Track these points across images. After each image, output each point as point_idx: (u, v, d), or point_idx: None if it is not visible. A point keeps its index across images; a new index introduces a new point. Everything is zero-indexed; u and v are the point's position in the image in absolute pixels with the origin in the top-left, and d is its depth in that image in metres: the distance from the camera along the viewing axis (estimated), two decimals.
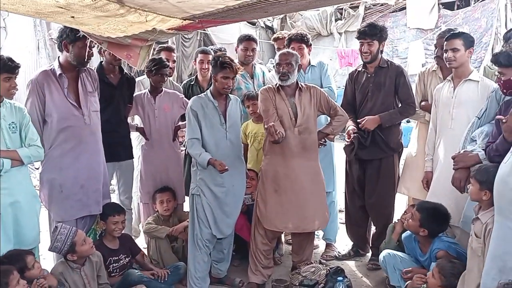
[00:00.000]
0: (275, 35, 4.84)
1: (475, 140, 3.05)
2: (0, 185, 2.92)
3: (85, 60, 3.38)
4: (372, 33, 3.89)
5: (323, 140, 3.78)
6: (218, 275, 3.82)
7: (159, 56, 4.20)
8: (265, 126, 3.55)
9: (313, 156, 3.68)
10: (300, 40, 4.21)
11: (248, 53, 4.46)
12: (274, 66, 3.72)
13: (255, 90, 4.35)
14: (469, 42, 3.47)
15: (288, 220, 3.63)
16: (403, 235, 3.54)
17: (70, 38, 3.28)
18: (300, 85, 3.65)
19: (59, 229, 3.13)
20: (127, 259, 3.65)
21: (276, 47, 4.70)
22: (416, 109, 3.96)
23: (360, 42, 3.98)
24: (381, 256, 3.55)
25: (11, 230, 2.98)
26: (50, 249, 3.20)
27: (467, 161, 2.95)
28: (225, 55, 3.54)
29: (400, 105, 3.96)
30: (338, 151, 4.46)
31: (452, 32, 3.59)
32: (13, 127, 3.03)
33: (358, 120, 3.90)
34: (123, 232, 3.70)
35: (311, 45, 4.37)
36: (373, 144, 3.92)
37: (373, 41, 3.90)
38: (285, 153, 3.58)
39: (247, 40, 4.49)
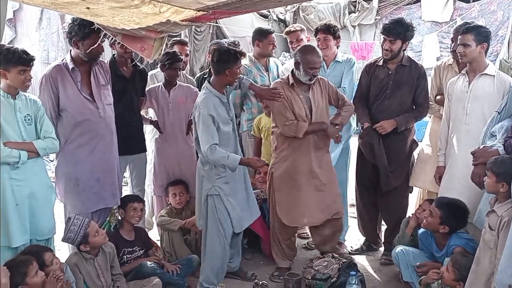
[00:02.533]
0: (287, 29, 4.78)
1: (495, 135, 2.99)
2: (17, 177, 2.94)
3: (96, 56, 3.36)
4: (396, 32, 3.75)
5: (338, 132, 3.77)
6: (231, 269, 3.80)
7: (173, 50, 4.19)
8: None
9: (326, 148, 3.75)
10: (327, 30, 4.15)
11: (270, 47, 4.46)
12: (298, 63, 3.59)
13: (270, 83, 4.33)
14: (481, 37, 3.39)
15: (309, 215, 3.67)
16: (420, 230, 3.49)
17: (79, 35, 3.26)
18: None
19: (72, 220, 3.16)
20: (141, 251, 3.68)
21: (288, 41, 4.66)
22: (431, 103, 3.91)
23: (383, 37, 3.88)
24: (393, 252, 3.52)
25: (27, 221, 3.00)
26: (63, 240, 3.23)
27: (487, 157, 2.86)
28: (231, 45, 3.46)
29: (414, 107, 3.89)
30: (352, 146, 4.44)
31: (465, 26, 3.51)
32: (29, 119, 3.04)
33: (375, 126, 3.81)
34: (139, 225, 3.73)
35: (339, 37, 4.27)
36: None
37: (396, 40, 3.77)
38: (300, 148, 3.58)
39: (269, 34, 4.47)
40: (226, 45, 3.59)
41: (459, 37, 3.45)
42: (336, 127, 3.71)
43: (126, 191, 4.31)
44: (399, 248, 3.48)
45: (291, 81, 3.62)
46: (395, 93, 3.84)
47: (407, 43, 3.87)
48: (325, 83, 3.71)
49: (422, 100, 3.86)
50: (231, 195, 3.46)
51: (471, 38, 3.36)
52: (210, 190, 3.41)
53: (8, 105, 2.94)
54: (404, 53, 3.89)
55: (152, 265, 3.53)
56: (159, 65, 4.10)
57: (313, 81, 3.60)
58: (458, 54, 3.46)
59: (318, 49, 3.67)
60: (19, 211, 2.96)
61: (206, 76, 4.55)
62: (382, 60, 3.94)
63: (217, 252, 3.47)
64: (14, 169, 2.92)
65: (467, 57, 3.41)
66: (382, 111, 3.84)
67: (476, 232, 3.19)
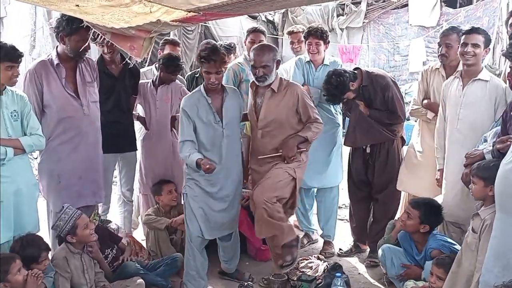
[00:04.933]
0: (289, 29, 4.79)
1: (487, 140, 3.09)
2: (3, 173, 2.91)
3: (82, 52, 3.33)
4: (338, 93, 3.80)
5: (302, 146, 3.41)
6: (228, 270, 3.79)
7: (175, 55, 4.15)
8: None
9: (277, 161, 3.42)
10: (320, 36, 4.14)
11: (255, 45, 4.44)
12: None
13: None
14: (488, 41, 3.39)
15: None
16: (399, 234, 3.53)
17: (67, 31, 3.24)
18: (272, 87, 3.36)
19: (64, 209, 3.14)
20: (113, 251, 3.60)
21: (290, 41, 4.67)
22: (418, 107, 3.95)
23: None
24: (380, 250, 3.55)
25: (12, 218, 2.98)
26: (52, 227, 3.20)
27: (474, 158, 2.99)
28: (209, 46, 3.31)
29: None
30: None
31: (471, 27, 3.46)
32: (15, 115, 3.02)
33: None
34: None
35: (329, 42, 4.30)
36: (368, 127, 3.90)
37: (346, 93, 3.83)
38: (253, 152, 3.60)
39: (254, 32, 4.47)
40: (205, 45, 3.44)
41: (466, 36, 3.34)
42: (305, 142, 3.40)
43: (115, 190, 4.28)
44: (386, 245, 3.53)
45: (256, 82, 3.46)
46: (369, 112, 3.88)
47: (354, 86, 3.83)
48: (295, 92, 3.37)
49: (391, 107, 3.86)
50: (203, 200, 3.38)
51: (482, 39, 3.33)
52: (183, 188, 3.45)
53: None
54: (362, 75, 3.88)
55: (136, 265, 3.51)
56: (156, 64, 4.06)
57: (263, 83, 3.36)
58: (464, 54, 3.33)
59: (266, 48, 3.44)
60: (4, 208, 2.92)
61: (197, 75, 4.55)
62: None
63: (187, 253, 3.47)
64: (0, 166, 2.89)
65: (476, 58, 3.33)
66: (364, 130, 3.90)
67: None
